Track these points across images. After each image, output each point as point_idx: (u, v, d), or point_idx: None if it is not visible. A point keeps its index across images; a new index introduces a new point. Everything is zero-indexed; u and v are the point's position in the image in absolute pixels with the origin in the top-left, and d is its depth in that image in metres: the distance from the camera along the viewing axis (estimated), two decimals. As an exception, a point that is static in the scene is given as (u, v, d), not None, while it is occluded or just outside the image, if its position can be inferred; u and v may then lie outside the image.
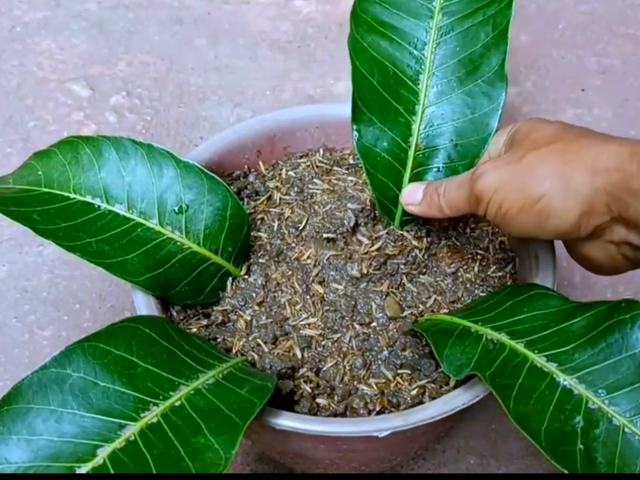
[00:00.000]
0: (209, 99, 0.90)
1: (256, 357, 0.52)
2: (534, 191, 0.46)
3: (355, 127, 0.56)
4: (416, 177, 0.56)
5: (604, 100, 0.89)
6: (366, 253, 0.55)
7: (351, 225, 0.57)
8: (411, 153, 0.56)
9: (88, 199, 0.53)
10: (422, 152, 0.56)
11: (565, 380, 0.43)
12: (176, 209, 0.54)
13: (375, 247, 0.56)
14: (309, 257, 0.56)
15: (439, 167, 0.56)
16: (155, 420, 0.41)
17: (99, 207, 0.52)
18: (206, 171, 0.55)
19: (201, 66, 0.94)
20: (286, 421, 0.46)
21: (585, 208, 0.45)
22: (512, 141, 0.52)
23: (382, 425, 0.46)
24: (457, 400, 0.47)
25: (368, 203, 0.59)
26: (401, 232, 0.57)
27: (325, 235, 0.57)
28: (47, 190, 0.53)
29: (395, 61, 0.56)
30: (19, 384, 0.40)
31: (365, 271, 0.54)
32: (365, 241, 0.56)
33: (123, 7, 1.00)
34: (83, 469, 0.38)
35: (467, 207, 0.51)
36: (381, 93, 0.56)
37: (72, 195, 0.53)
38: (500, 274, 0.57)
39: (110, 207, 0.53)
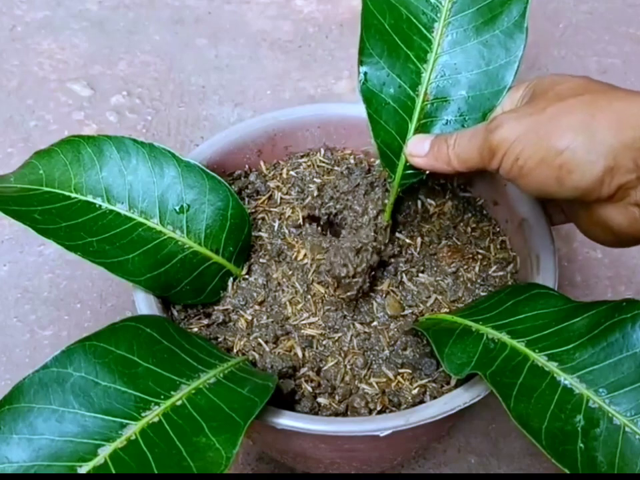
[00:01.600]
0: (209, 99, 0.90)
1: (257, 356, 0.52)
2: (556, 143, 0.44)
3: (361, 69, 0.54)
4: (422, 128, 0.54)
5: (605, 99, 0.89)
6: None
7: (343, 168, 0.56)
8: (419, 102, 0.54)
9: (89, 198, 0.53)
10: (431, 102, 0.54)
11: (565, 379, 0.43)
12: (177, 208, 0.54)
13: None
14: (305, 257, 0.56)
15: (447, 120, 0.54)
16: (156, 419, 0.41)
17: (100, 206, 0.52)
18: (207, 170, 0.55)
19: (201, 65, 0.94)
20: (287, 421, 0.46)
21: (610, 163, 0.43)
22: (532, 94, 0.49)
23: (383, 425, 0.46)
24: (458, 399, 0.47)
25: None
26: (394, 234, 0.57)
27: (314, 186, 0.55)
28: (48, 189, 0.53)
29: (410, 7, 0.54)
30: (20, 383, 0.40)
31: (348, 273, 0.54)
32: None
33: (124, 7, 1.00)
34: (84, 468, 0.38)
35: (478, 160, 0.48)
36: (391, 35, 0.54)
37: (73, 194, 0.53)
38: (501, 273, 0.57)
39: (111, 207, 0.53)
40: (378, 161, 0.63)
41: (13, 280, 0.74)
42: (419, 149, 0.52)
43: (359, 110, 0.63)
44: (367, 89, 0.54)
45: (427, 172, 0.54)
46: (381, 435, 0.46)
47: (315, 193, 0.57)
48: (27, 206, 0.51)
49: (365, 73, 0.54)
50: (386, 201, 0.55)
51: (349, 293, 0.53)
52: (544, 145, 0.44)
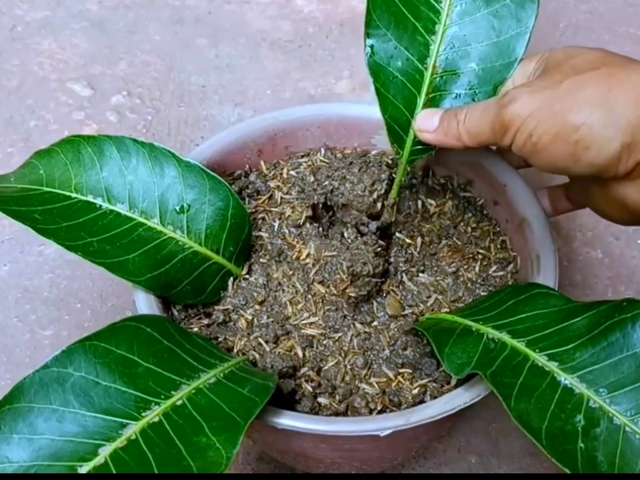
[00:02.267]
0: (209, 99, 0.90)
1: (257, 356, 0.52)
2: (572, 118, 0.43)
3: (367, 42, 0.53)
4: (431, 103, 0.53)
5: (605, 99, 0.89)
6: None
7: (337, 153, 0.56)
8: (427, 76, 0.53)
9: (89, 198, 0.53)
10: (439, 75, 0.53)
11: (565, 379, 0.43)
12: (177, 208, 0.54)
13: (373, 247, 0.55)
14: (307, 256, 0.56)
15: (457, 94, 0.53)
16: (156, 419, 0.41)
17: (101, 206, 0.52)
18: (207, 170, 0.55)
19: (201, 65, 0.94)
20: (287, 420, 0.46)
21: (628, 139, 0.42)
22: (546, 67, 0.48)
23: (383, 424, 0.46)
24: (458, 399, 0.47)
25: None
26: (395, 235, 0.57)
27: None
28: (48, 189, 0.53)
29: None
30: (20, 383, 0.40)
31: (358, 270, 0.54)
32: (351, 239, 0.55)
33: (124, 7, 1.00)
34: (85, 468, 0.38)
35: (490, 136, 0.47)
36: (398, 6, 0.53)
37: (73, 194, 0.53)
38: (501, 273, 0.57)
39: (111, 207, 0.53)
40: (374, 151, 0.64)
41: (13, 280, 0.74)
42: (427, 124, 0.51)
43: (359, 110, 0.64)
44: (374, 62, 0.53)
45: (436, 147, 0.53)
46: (382, 434, 0.46)
47: (312, 179, 0.56)
48: (27, 206, 0.51)
49: (372, 46, 0.53)
50: (382, 175, 0.54)
51: (361, 292, 0.53)
52: (559, 120, 0.43)
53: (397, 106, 0.53)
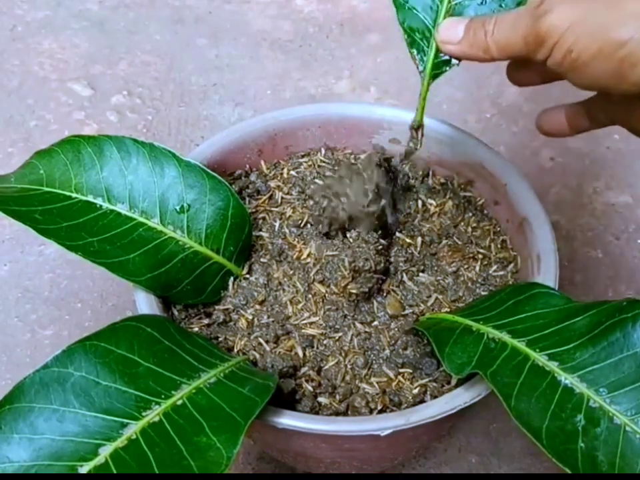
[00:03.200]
0: (210, 98, 0.90)
1: (257, 355, 0.52)
2: (617, 33, 0.39)
3: None
4: (454, 10, 0.49)
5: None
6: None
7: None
8: None
9: (90, 198, 0.53)
10: None
11: (566, 379, 0.43)
12: (177, 208, 0.54)
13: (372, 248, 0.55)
14: (308, 256, 0.56)
15: None
16: (156, 419, 0.41)
17: (101, 206, 0.52)
18: (208, 170, 0.55)
19: (201, 65, 0.94)
20: (287, 420, 0.46)
21: None
22: None
23: (383, 424, 0.46)
24: (458, 399, 0.47)
25: None
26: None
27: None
28: (48, 189, 0.53)
29: None
30: (20, 383, 0.40)
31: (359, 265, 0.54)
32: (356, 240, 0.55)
33: (124, 7, 1.00)
34: (85, 467, 0.38)
35: (522, 48, 0.43)
36: None
37: (74, 195, 0.53)
38: (501, 273, 0.57)
39: (111, 207, 0.53)
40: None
41: (13, 280, 0.74)
42: (451, 35, 0.47)
43: (359, 110, 0.64)
44: None
45: (460, 60, 0.50)
46: (382, 434, 0.46)
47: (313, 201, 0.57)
48: (28, 206, 0.51)
49: None
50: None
51: (362, 289, 0.53)
52: (602, 35, 0.39)
53: (416, 15, 0.50)
